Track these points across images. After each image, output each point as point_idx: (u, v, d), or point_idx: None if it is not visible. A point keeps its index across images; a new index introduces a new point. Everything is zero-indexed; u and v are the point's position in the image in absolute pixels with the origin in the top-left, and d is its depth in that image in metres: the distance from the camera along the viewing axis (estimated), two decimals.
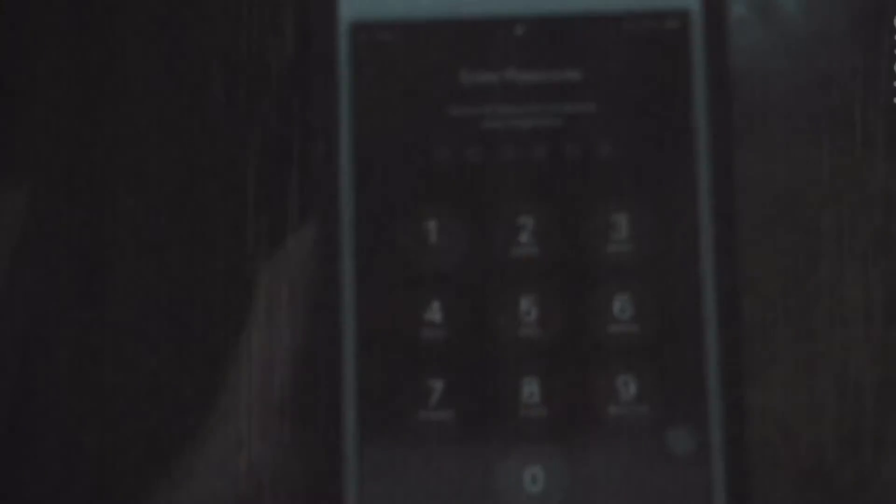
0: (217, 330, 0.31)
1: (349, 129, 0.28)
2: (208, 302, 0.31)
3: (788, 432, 0.32)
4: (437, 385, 0.28)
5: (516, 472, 0.28)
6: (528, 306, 0.28)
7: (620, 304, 0.28)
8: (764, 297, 0.32)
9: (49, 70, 0.36)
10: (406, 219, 0.28)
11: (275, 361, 0.29)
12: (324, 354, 0.28)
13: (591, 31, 0.29)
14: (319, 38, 0.29)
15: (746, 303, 0.28)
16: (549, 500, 0.28)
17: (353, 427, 0.28)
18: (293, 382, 0.28)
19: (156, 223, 0.33)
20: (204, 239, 0.31)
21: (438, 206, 0.28)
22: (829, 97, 0.32)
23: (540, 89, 0.28)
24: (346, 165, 0.28)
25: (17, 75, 0.36)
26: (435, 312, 0.28)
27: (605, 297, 0.28)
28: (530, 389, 0.28)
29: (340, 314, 0.28)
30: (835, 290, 0.32)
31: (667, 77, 0.28)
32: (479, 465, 0.28)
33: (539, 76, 0.29)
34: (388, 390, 0.28)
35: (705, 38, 0.28)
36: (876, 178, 0.32)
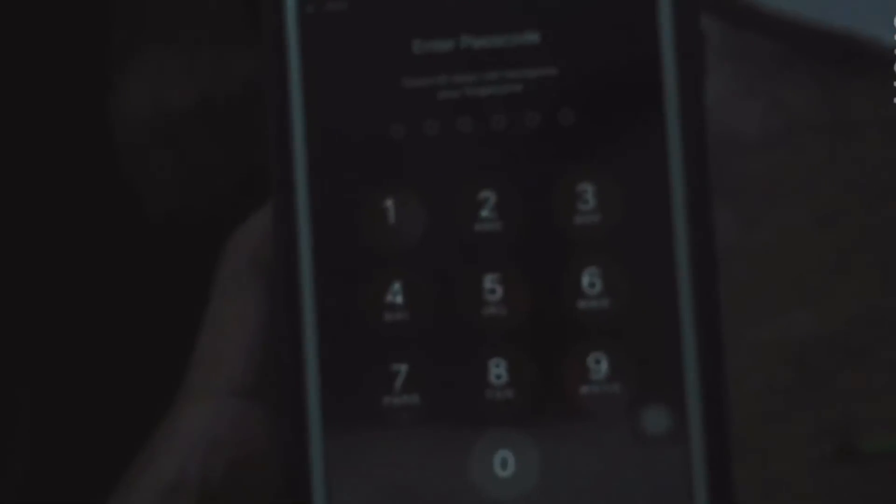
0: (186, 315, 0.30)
1: (300, 104, 0.27)
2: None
3: None
4: (401, 369, 0.27)
5: (485, 456, 0.27)
6: (492, 284, 0.27)
7: (589, 279, 0.27)
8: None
9: None
10: (362, 198, 0.27)
11: (236, 341, 0.28)
12: (284, 340, 0.27)
13: None
14: (266, 10, 0.27)
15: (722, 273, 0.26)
16: (521, 485, 0.27)
17: (315, 414, 0.27)
18: (255, 365, 0.27)
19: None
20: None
21: (395, 183, 0.27)
22: None
23: (497, 55, 0.27)
24: (298, 144, 0.27)
25: None
26: (396, 294, 0.27)
27: (574, 271, 0.27)
28: (497, 371, 0.27)
29: (299, 298, 0.27)
30: None
31: (632, 37, 0.27)
32: (446, 451, 0.27)
33: (496, 41, 0.27)
34: (350, 376, 0.27)
35: None
36: None
